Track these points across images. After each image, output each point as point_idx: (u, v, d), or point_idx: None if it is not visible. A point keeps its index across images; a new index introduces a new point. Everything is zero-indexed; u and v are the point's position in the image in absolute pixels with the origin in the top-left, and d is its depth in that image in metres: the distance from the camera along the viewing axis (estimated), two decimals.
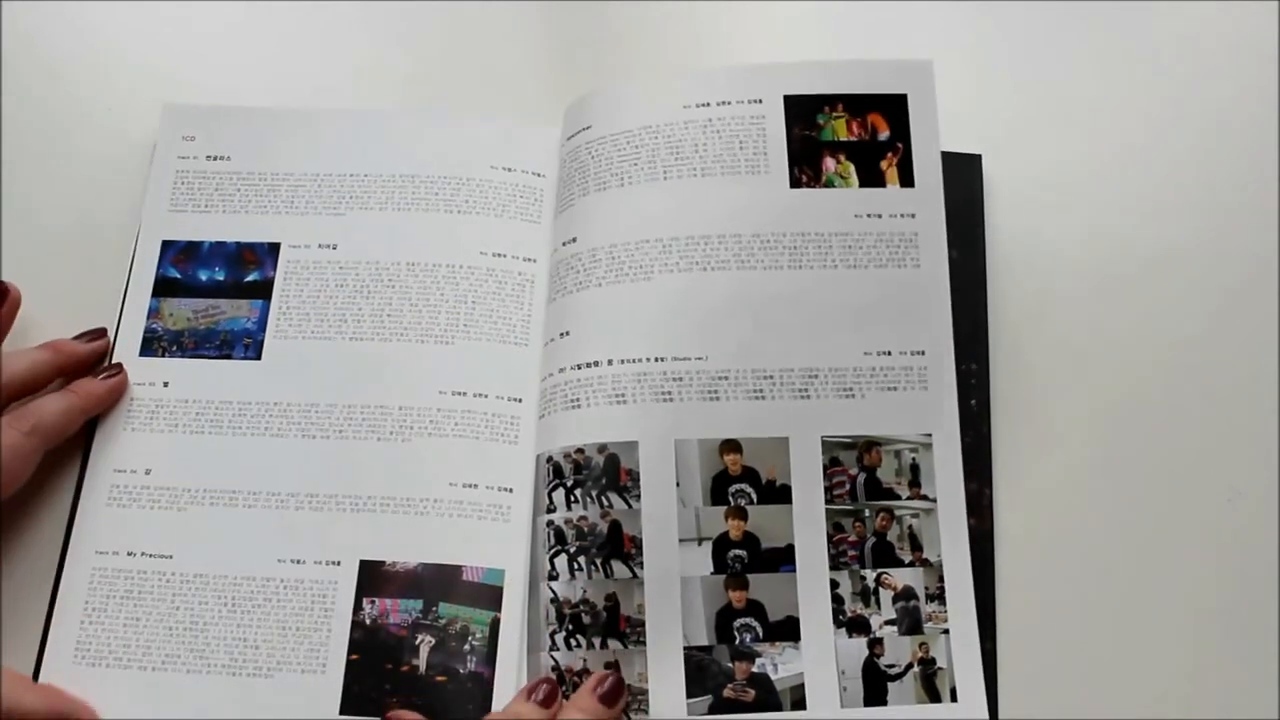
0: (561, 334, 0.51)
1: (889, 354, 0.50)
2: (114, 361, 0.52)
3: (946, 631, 0.47)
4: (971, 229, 0.54)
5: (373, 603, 0.48)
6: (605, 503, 0.48)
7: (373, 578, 0.48)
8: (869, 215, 0.51)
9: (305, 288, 0.53)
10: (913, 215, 0.51)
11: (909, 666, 0.47)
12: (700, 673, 0.46)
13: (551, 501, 0.49)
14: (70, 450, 0.50)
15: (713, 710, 0.46)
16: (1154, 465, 0.51)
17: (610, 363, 0.49)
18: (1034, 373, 0.53)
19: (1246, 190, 0.57)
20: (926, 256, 0.51)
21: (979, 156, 0.55)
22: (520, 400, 0.51)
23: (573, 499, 0.48)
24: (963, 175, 0.55)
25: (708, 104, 0.53)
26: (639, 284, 0.50)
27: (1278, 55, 0.59)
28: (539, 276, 0.53)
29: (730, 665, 0.46)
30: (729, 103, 0.52)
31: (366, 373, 0.51)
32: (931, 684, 0.47)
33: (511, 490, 0.50)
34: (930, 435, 0.49)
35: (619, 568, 0.47)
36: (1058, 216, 0.56)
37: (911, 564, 0.48)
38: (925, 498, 0.49)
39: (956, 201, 0.54)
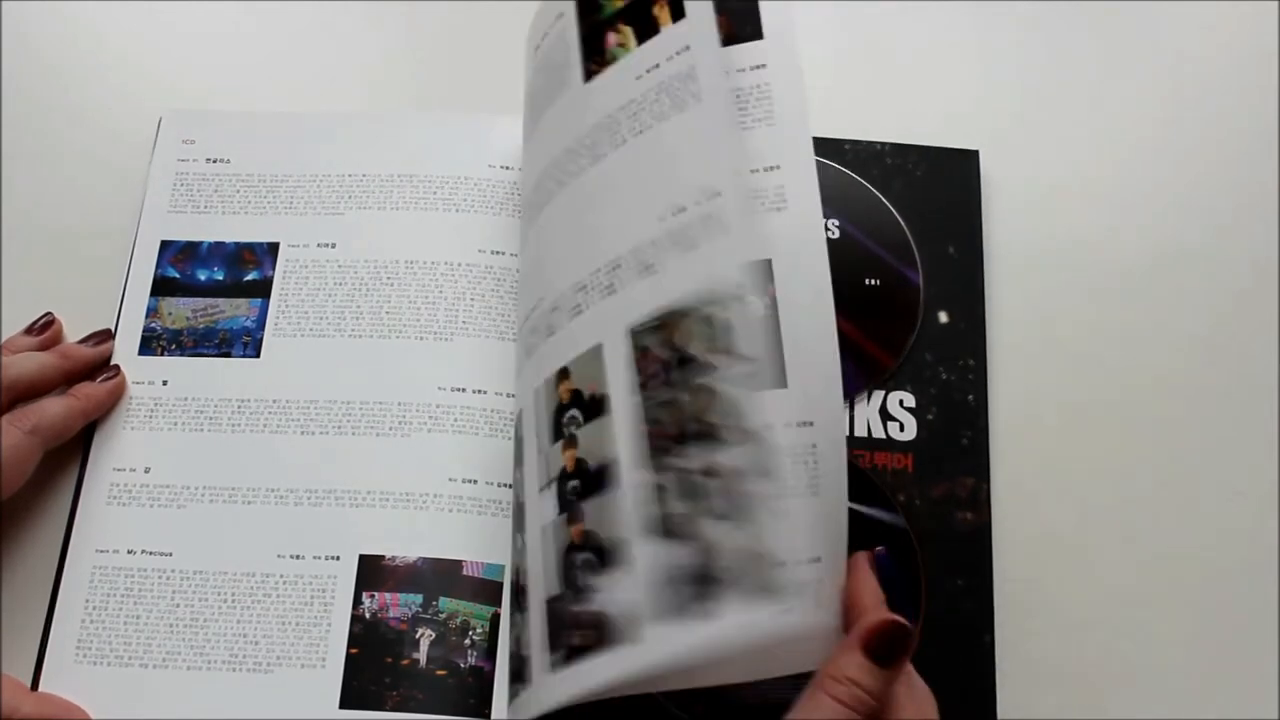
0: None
1: (684, 209, 0.41)
2: (113, 362, 0.52)
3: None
4: (969, 225, 0.54)
5: (372, 596, 0.47)
6: (515, 480, 0.46)
7: (372, 572, 0.48)
8: (647, 71, 0.44)
9: (304, 286, 0.53)
10: (687, 48, 0.44)
11: (744, 565, 0.37)
12: (559, 624, 0.41)
13: None
14: (70, 449, 0.50)
15: (569, 660, 0.40)
16: (1155, 464, 0.51)
17: (509, 341, 0.50)
18: (1031, 367, 0.53)
19: (1246, 189, 0.57)
20: (707, 88, 0.43)
21: (976, 153, 0.55)
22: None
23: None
24: (959, 171, 0.54)
25: (538, 46, 0.50)
26: (519, 256, 0.50)
27: (1278, 55, 0.60)
28: None
29: (577, 610, 0.40)
30: (548, 34, 0.49)
31: (365, 369, 0.51)
32: (771, 582, 0.37)
33: (510, 487, 0.50)
34: (742, 286, 0.40)
35: (516, 538, 0.45)
36: (1056, 214, 0.56)
37: (741, 443, 0.38)
38: (746, 359, 0.39)
39: (953, 198, 0.54)
